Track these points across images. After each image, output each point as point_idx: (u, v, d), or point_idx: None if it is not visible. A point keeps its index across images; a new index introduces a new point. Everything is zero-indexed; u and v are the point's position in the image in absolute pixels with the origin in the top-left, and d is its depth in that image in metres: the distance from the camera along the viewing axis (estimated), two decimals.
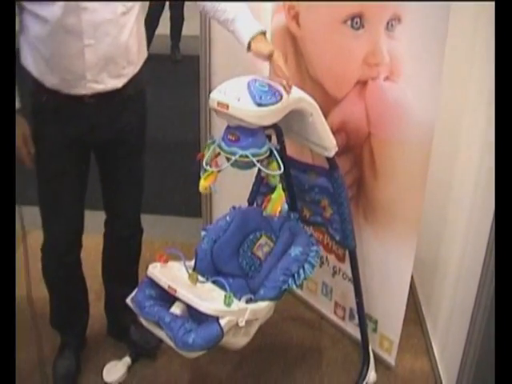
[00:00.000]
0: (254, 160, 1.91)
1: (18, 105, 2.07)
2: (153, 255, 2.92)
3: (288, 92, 1.92)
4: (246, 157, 1.91)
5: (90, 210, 2.34)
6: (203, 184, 2.00)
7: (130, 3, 2.01)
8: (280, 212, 1.99)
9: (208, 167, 1.99)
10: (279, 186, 1.98)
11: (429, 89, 2.05)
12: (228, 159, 1.94)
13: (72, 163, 2.19)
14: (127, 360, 2.49)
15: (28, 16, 1.94)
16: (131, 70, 2.11)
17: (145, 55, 2.19)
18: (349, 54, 2.23)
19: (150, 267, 2.08)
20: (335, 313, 2.76)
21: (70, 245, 2.31)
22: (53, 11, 1.89)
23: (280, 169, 1.98)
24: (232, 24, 2.02)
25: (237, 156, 1.91)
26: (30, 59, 2.02)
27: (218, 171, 1.98)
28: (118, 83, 2.08)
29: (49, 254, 2.32)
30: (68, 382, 2.41)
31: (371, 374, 2.47)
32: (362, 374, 2.46)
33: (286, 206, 2.02)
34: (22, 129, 2.10)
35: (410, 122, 2.12)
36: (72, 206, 2.25)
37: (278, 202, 1.97)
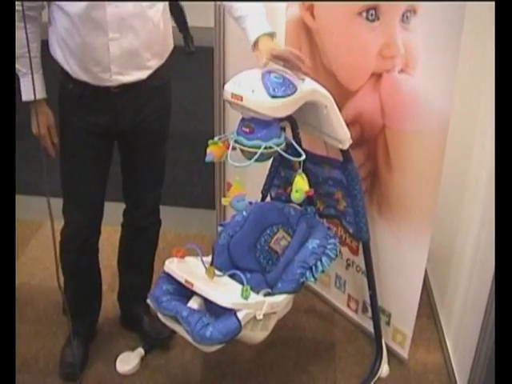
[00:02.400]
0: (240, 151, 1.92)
1: (43, 95, 2.13)
2: (166, 247, 2.95)
3: (307, 73, 1.92)
4: (267, 148, 1.92)
5: (112, 202, 2.36)
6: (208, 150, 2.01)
7: None
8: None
9: (216, 138, 2.02)
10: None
11: (444, 81, 2.03)
12: (242, 151, 1.94)
13: (95, 151, 2.21)
14: (140, 351, 2.50)
15: (55, 8, 1.98)
16: (156, 62, 2.13)
17: (170, 47, 2.21)
18: (364, 46, 2.22)
19: (167, 262, 2.08)
20: (348, 306, 2.75)
21: (90, 231, 2.33)
22: (78, 5, 1.92)
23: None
24: (244, 21, 2.03)
25: (232, 139, 1.93)
26: (57, 50, 2.06)
27: (223, 143, 2.00)
28: (143, 75, 2.11)
29: (68, 240, 2.32)
30: (74, 371, 2.41)
31: (384, 368, 2.47)
32: (375, 368, 2.45)
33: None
34: (47, 118, 2.15)
35: (425, 114, 2.11)
36: (94, 193, 2.28)
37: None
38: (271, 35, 1.99)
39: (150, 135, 2.27)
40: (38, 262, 2.94)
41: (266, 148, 1.90)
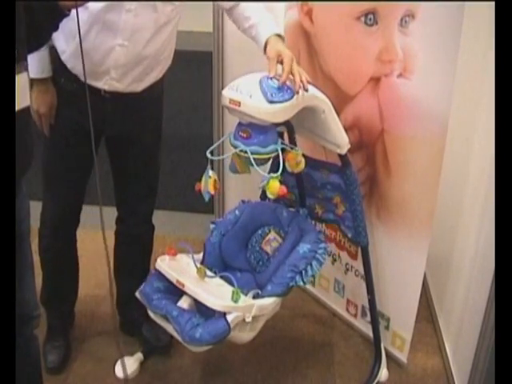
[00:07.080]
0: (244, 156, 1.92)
1: (50, 73, 2.09)
2: (165, 251, 2.95)
3: (304, 88, 1.89)
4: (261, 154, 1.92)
5: (105, 206, 2.35)
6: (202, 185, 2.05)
7: (173, 14, 2.02)
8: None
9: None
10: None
11: (442, 85, 2.04)
12: (238, 155, 1.94)
13: (78, 148, 2.18)
14: (139, 356, 2.50)
15: None
16: (154, 76, 2.14)
17: (169, 63, 2.20)
18: (362, 50, 2.22)
19: (159, 260, 2.10)
20: (347, 310, 2.75)
21: (65, 220, 2.33)
22: (98, 3, 1.89)
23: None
24: (256, 28, 2.03)
25: (236, 150, 1.93)
26: (60, 35, 2.00)
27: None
28: (138, 87, 2.11)
29: (45, 225, 2.33)
30: (59, 366, 2.44)
31: (383, 372, 2.46)
32: (374, 372, 2.45)
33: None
34: (51, 97, 2.12)
35: (424, 118, 2.11)
36: (72, 186, 2.27)
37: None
38: (280, 37, 2.00)
39: (139, 146, 2.26)
40: (36, 267, 2.93)
41: (262, 153, 1.91)
